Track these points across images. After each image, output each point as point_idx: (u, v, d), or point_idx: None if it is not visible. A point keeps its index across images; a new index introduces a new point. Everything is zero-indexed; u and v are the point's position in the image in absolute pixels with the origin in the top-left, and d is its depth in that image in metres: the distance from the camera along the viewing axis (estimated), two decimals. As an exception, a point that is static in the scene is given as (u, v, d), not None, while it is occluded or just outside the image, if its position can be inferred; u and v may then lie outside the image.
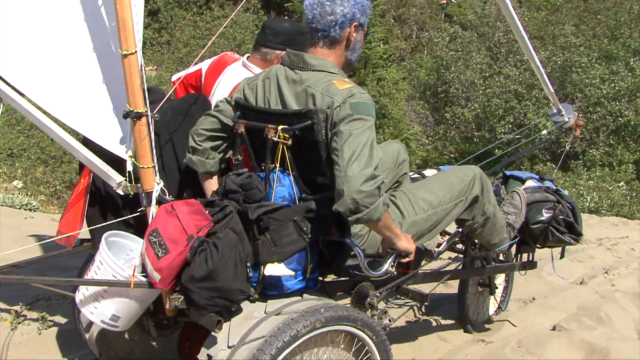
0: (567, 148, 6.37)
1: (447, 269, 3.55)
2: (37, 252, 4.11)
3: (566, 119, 4.41)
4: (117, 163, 2.51)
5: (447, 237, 3.51)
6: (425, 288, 3.49)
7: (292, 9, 16.09)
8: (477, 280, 4.06)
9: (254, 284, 2.30)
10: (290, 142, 2.34)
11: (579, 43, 17.64)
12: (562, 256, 4.16)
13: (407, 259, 2.60)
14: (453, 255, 3.87)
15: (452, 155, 19.08)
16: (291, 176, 2.40)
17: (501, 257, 4.00)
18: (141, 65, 2.36)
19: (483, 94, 17.76)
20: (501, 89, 17.28)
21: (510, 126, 16.51)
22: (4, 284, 3.73)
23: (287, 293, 2.40)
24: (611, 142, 16.33)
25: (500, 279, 4.34)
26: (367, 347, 2.45)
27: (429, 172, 3.71)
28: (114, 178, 2.48)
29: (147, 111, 2.37)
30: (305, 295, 2.45)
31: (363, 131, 2.27)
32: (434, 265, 3.61)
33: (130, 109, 2.34)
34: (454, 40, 20.28)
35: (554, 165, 14.49)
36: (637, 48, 18.34)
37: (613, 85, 16.23)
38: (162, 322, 2.71)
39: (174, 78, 3.52)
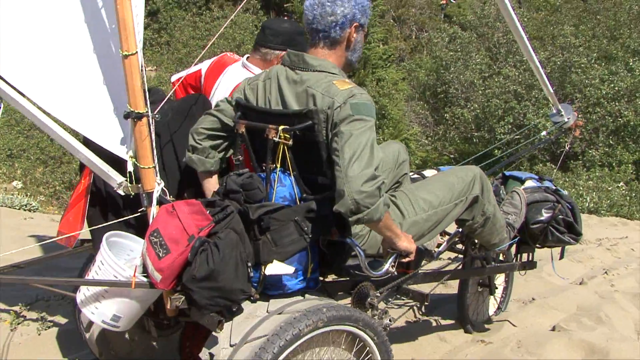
0: (567, 148, 6.37)
1: (447, 269, 3.55)
2: (37, 253, 4.11)
3: (566, 120, 4.42)
4: (117, 163, 2.51)
5: (447, 237, 3.52)
6: (425, 288, 3.50)
7: (292, 10, 16.06)
8: (477, 280, 4.07)
9: (255, 284, 2.30)
10: (291, 142, 2.34)
11: (579, 43, 17.65)
12: (561, 256, 4.16)
13: (407, 259, 2.60)
14: (453, 255, 3.87)
15: (452, 156, 19.07)
16: (292, 176, 2.41)
17: (501, 257, 4.01)
18: (142, 66, 2.36)
19: (482, 95, 17.76)
20: (501, 89, 17.27)
21: (510, 126, 16.50)
22: (4, 284, 3.73)
23: (288, 293, 2.40)
24: (610, 142, 16.33)
25: (500, 280, 4.35)
26: (368, 348, 2.45)
27: (428, 173, 3.72)
28: (115, 178, 2.48)
29: (147, 112, 2.37)
30: (307, 295, 2.46)
31: (364, 131, 2.27)
32: (433, 265, 3.61)
33: (131, 109, 2.34)
34: (453, 41, 20.29)
35: (553, 166, 14.49)
36: (636, 48, 18.34)
37: (612, 85, 16.22)
38: (163, 322, 2.72)
39: (173, 79, 3.52)
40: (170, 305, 2.24)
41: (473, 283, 4.05)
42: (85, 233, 2.79)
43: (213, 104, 2.96)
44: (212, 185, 2.65)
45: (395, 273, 2.76)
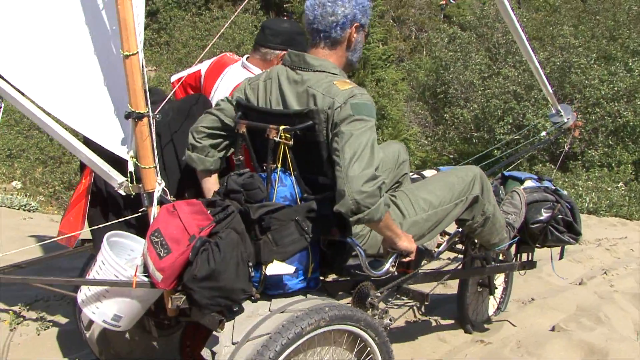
0: (566, 149, 6.37)
1: (447, 269, 3.55)
2: (37, 253, 4.10)
3: (565, 120, 4.42)
4: (118, 163, 2.52)
5: (447, 237, 3.52)
6: (425, 288, 3.50)
7: (292, 10, 16.08)
8: (476, 280, 4.07)
9: (256, 284, 2.30)
10: (291, 142, 2.35)
11: (578, 44, 17.66)
12: (561, 257, 4.16)
13: (408, 259, 2.61)
14: (453, 255, 3.87)
15: (451, 156, 19.09)
16: (292, 176, 2.41)
17: (501, 257, 4.01)
18: (142, 66, 2.37)
19: (482, 95, 17.78)
20: (500, 89, 17.29)
21: (509, 127, 16.52)
22: (5, 284, 3.73)
23: (289, 293, 2.41)
24: (610, 142, 16.35)
25: (499, 280, 4.35)
26: (369, 348, 2.45)
27: (428, 173, 3.73)
28: (116, 178, 2.49)
29: (148, 112, 2.37)
30: (309, 295, 2.46)
31: (364, 132, 2.28)
32: (433, 265, 3.62)
33: (132, 109, 2.35)
34: (452, 41, 20.30)
35: (552, 166, 14.50)
36: (635, 49, 18.35)
37: (612, 86, 16.24)
38: (163, 322, 2.72)
39: (173, 79, 3.52)
40: (171, 305, 2.24)
41: (473, 283, 4.05)
42: (85, 233, 2.79)
43: (213, 104, 2.96)
44: (211, 184, 2.65)
45: (396, 273, 2.77)
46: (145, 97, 2.37)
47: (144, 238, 2.34)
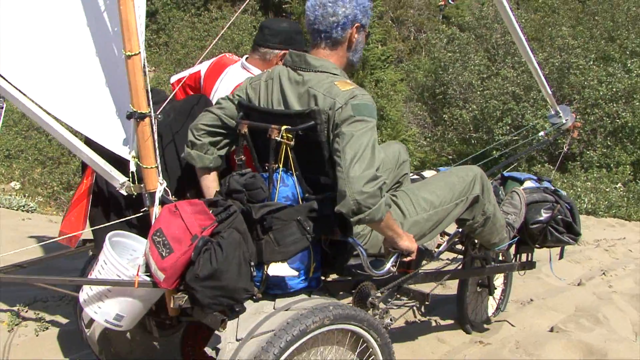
0: (565, 149, 6.36)
1: (447, 269, 3.56)
2: (37, 253, 4.10)
3: (564, 121, 4.43)
4: (119, 163, 2.52)
5: (446, 237, 3.53)
6: (426, 288, 3.51)
7: (290, 10, 16.07)
8: (476, 280, 4.08)
9: (258, 283, 2.31)
10: (293, 142, 2.35)
11: (577, 45, 17.68)
12: (561, 256, 4.17)
13: (409, 258, 2.62)
14: (452, 256, 3.88)
15: (450, 157, 19.08)
16: (294, 176, 2.42)
17: (500, 258, 4.02)
18: (145, 66, 2.38)
19: (481, 96, 17.78)
20: (499, 90, 17.30)
21: (508, 128, 16.53)
22: (6, 284, 3.73)
23: (290, 292, 2.41)
24: (608, 143, 16.36)
25: (499, 280, 4.36)
26: (371, 349, 2.46)
27: (428, 174, 3.73)
28: (118, 178, 2.49)
29: (150, 112, 2.38)
30: (313, 294, 2.48)
31: (365, 132, 2.29)
32: (433, 265, 3.62)
33: (134, 109, 2.35)
34: (451, 42, 20.30)
35: (551, 167, 14.51)
36: (634, 49, 18.37)
37: (610, 86, 16.26)
38: (165, 322, 2.72)
39: (172, 80, 3.51)
40: (173, 305, 2.25)
41: (472, 283, 4.06)
42: (87, 233, 2.79)
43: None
44: (209, 182, 2.66)
45: (396, 273, 2.77)
46: (147, 97, 2.37)
47: (146, 238, 2.34)
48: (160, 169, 2.45)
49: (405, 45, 26.17)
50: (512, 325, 4.24)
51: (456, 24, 22.29)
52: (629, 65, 17.05)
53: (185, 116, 2.82)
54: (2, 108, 2.46)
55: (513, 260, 4.01)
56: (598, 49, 18.60)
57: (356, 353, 2.45)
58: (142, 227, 2.52)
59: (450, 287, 4.64)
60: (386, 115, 14.64)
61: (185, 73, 3.42)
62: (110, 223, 2.59)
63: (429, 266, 3.35)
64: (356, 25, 2.52)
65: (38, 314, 3.57)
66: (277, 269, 2.28)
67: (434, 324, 4.26)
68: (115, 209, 2.71)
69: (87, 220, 2.73)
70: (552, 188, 3.85)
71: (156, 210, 2.41)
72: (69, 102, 2.46)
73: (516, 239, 3.65)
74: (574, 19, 21.31)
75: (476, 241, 3.54)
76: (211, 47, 3.14)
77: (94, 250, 3.02)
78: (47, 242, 3.41)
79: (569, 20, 20.89)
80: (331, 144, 2.34)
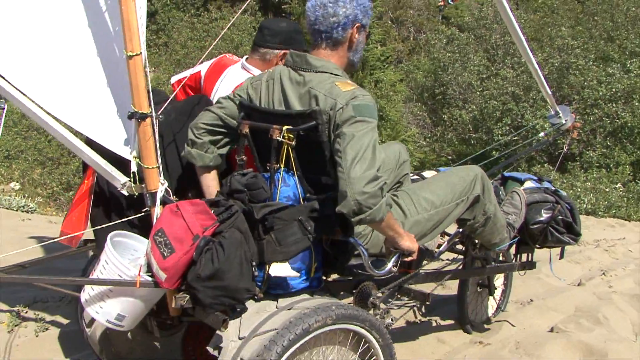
0: (565, 150, 6.38)
1: (447, 269, 3.57)
2: (38, 254, 4.09)
3: (564, 121, 4.43)
4: (120, 164, 2.53)
5: (447, 237, 3.53)
6: (426, 288, 3.51)
7: (290, 11, 16.10)
8: (476, 280, 4.08)
9: (259, 283, 2.31)
10: (294, 142, 2.36)
11: (576, 45, 17.69)
12: (561, 256, 4.17)
13: (410, 258, 2.62)
14: (452, 256, 3.88)
15: (450, 157, 19.10)
16: (295, 176, 2.42)
17: (500, 258, 4.02)
18: (146, 66, 2.38)
19: (480, 96, 17.81)
20: (498, 90, 17.33)
21: (508, 128, 16.55)
22: (7, 284, 3.73)
23: (292, 292, 2.42)
24: (608, 143, 16.39)
25: (499, 281, 4.36)
26: (372, 350, 2.46)
27: (428, 174, 3.74)
28: (119, 179, 2.49)
29: (151, 112, 2.38)
30: (315, 294, 2.48)
31: (366, 133, 2.29)
32: (434, 266, 3.63)
33: (135, 109, 2.35)
34: (451, 42, 20.35)
35: (551, 167, 14.52)
36: (633, 50, 18.40)
37: (610, 87, 16.28)
38: (166, 322, 2.72)
39: (173, 80, 3.51)
40: (174, 304, 2.25)
41: (473, 283, 4.07)
42: (88, 233, 2.79)
43: (214, 105, 2.97)
44: (209, 180, 2.66)
45: (397, 273, 2.78)
46: (148, 97, 2.37)
47: (147, 238, 2.34)
48: (161, 169, 2.45)
49: (404, 45, 26.21)
50: (512, 326, 4.24)
51: (455, 25, 22.34)
52: (628, 65, 17.08)
53: (186, 116, 2.82)
54: (4, 109, 2.46)
55: (513, 261, 4.02)
56: (597, 49, 18.64)
57: (358, 353, 2.46)
58: (143, 227, 2.52)
59: (450, 288, 4.64)
60: (386, 115, 14.67)
61: (186, 73, 3.42)
62: (112, 223, 2.59)
63: (429, 266, 3.35)
64: (357, 25, 2.53)
65: (38, 314, 3.56)
66: (279, 268, 2.28)
67: (434, 324, 4.26)
68: (116, 209, 2.72)
69: (89, 220, 2.73)
70: (553, 188, 3.85)
71: (157, 210, 2.41)
72: (70, 103, 2.47)
73: (516, 239, 3.65)
74: (573, 19, 21.34)
75: (477, 241, 3.54)
76: (211, 48, 3.14)
77: (95, 251, 3.03)
78: (48, 242, 3.41)
79: (569, 20, 20.92)
80: (332, 145, 2.34)
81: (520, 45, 3.85)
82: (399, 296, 3.67)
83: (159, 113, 2.41)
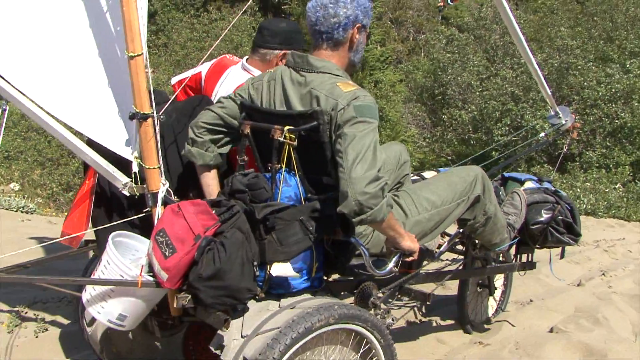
0: (565, 150, 6.39)
1: (447, 269, 3.57)
2: (38, 254, 4.09)
3: (563, 122, 4.43)
4: (121, 164, 2.53)
5: (447, 238, 3.54)
6: (427, 288, 3.51)
7: (289, 11, 16.10)
8: (476, 280, 4.09)
9: (260, 283, 2.32)
10: (296, 142, 2.36)
11: (576, 45, 17.70)
12: (562, 256, 4.18)
13: (411, 258, 2.63)
14: (452, 256, 3.88)
15: (449, 158, 19.11)
16: (297, 176, 2.42)
17: (501, 258, 4.03)
18: (147, 67, 2.38)
19: (480, 96, 17.81)
20: (498, 91, 17.33)
21: (507, 128, 16.56)
22: (8, 285, 3.73)
23: (293, 292, 2.42)
24: (608, 144, 16.40)
25: (499, 281, 4.37)
26: (374, 350, 2.47)
27: (428, 174, 3.74)
28: (120, 179, 2.49)
29: (153, 112, 2.38)
30: (317, 294, 2.49)
31: (367, 133, 2.29)
32: (434, 266, 3.63)
33: (137, 110, 2.36)
34: (450, 43, 20.34)
35: (551, 167, 14.53)
36: (632, 50, 18.41)
37: (609, 87, 16.28)
38: (167, 322, 2.73)
39: (173, 81, 3.52)
40: (176, 304, 2.25)
41: (473, 283, 4.07)
42: (89, 233, 2.80)
43: (216, 106, 2.97)
44: (209, 179, 2.66)
45: (398, 273, 2.78)
46: (150, 97, 2.38)
47: (148, 238, 2.35)
48: (162, 169, 2.45)
49: (404, 46, 26.22)
50: (512, 326, 4.24)
51: (455, 25, 22.35)
52: (627, 65, 17.09)
53: (187, 117, 2.82)
54: (5, 110, 2.46)
55: (513, 261, 4.02)
56: (597, 50, 18.66)
57: (359, 354, 2.46)
58: (144, 228, 2.52)
59: (450, 288, 4.65)
60: (385, 116, 14.68)
61: (187, 74, 3.42)
62: (113, 223, 2.59)
63: (430, 266, 3.36)
64: (357, 25, 2.53)
65: (38, 315, 3.56)
66: (280, 268, 2.29)
67: (434, 324, 4.26)
68: (117, 209, 2.72)
69: (90, 220, 2.74)
70: (553, 189, 3.85)
71: (159, 210, 2.41)
72: (71, 104, 2.47)
73: (517, 239, 3.66)
74: (572, 19, 21.36)
75: (477, 241, 3.55)
76: (209, 48, 3.15)
77: (96, 251, 3.03)
78: (49, 242, 3.40)
79: (568, 21, 20.94)
80: (333, 145, 2.35)
81: (520, 46, 3.85)
82: (399, 296, 3.68)
83: (160, 114, 2.41)
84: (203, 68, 3.35)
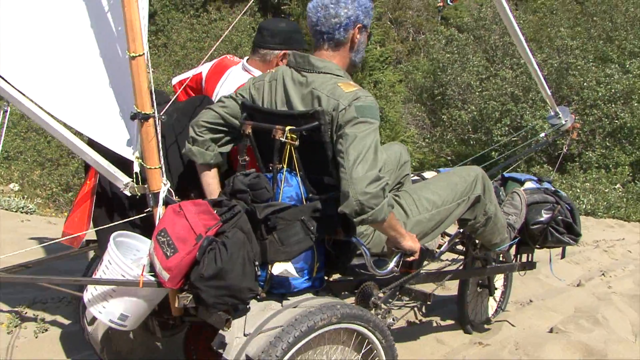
0: (564, 150, 6.41)
1: (448, 269, 3.57)
2: (39, 254, 4.08)
3: (563, 122, 4.44)
4: (122, 164, 2.53)
5: (447, 238, 3.54)
6: (427, 288, 3.52)
7: (289, 12, 16.07)
8: (476, 280, 4.09)
9: (262, 283, 2.32)
10: (297, 142, 2.36)
11: (575, 46, 17.70)
12: (562, 256, 4.19)
13: (412, 258, 2.63)
14: (453, 256, 3.89)
15: (449, 158, 19.11)
16: (298, 176, 2.43)
17: (501, 258, 4.03)
18: (149, 67, 2.39)
19: (479, 97, 17.79)
20: (498, 91, 17.32)
21: (507, 129, 16.55)
22: (8, 285, 3.72)
23: (294, 292, 2.43)
24: (607, 144, 16.39)
25: (499, 281, 4.37)
26: (375, 351, 2.47)
27: (428, 174, 3.75)
28: (121, 179, 2.50)
29: (154, 112, 2.38)
30: (318, 294, 2.50)
31: (368, 134, 2.30)
32: (435, 266, 3.63)
33: (138, 110, 2.36)
34: (450, 43, 20.32)
35: (550, 168, 14.52)
36: (632, 50, 18.42)
37: (609, 87, 16.28)
38: (168, 322, 2.73)
39: (174, 81, 3.52)
40: (177, 304, 2.25)
41: (473, 283, 4.07)
42: (90, 233, 2.80)
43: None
44: (210, 178, 2.66)
45: (399, 273, 2.78)
46: (151, 97, 2.38)
47: (149, 238, 2.35)
48: (163, 169, 2.46)
49: (403, 46, 26.22)
50: (512, 326, 4.25)
51: (455, 25, 22.34)
52: (627, 66, 17.08)
53: (188, 117, 2.82)
54: (7, 111, 2.47)
55: (513, 261, 4.03)
56: (596, 50, 18.65)
57: (361, 354, 2.46)
58: (145, 228, 2.53)
59: (450, 288, 4.65)
60: (385, 116, 14.65)
61: (188, 74, 3.43)
62: (114, 223, 2.59)
63: (430, 266, 3.36)
64: (358, 25, 2.54)
65: (37, 315, 3.56)
66: (281, 268, 2.29)
67: (434, 324, 4.27)
68: (118, 209, 2.72)
69: (91, 220, 2.74)
70: (553, 189, 3.86)
71: (160, 210, 2.42)
72: (72, 104, 2.47)
73: (517, 239, 3.67)
74: (572, 19, 21.34)
75: (477, 242, 3.55)
76: (209, 49, 3.15)
77: (97, 251, 3.03)
78: (50, 242, 3.40)
79: (568, 21, 20.92)
80: (334, 145, 2.35)
81: (519, 46, 3.86)
82: (399, 296, 3.69)
83: (161, 114, 2.41)
84: (204, 68, 3.35)
